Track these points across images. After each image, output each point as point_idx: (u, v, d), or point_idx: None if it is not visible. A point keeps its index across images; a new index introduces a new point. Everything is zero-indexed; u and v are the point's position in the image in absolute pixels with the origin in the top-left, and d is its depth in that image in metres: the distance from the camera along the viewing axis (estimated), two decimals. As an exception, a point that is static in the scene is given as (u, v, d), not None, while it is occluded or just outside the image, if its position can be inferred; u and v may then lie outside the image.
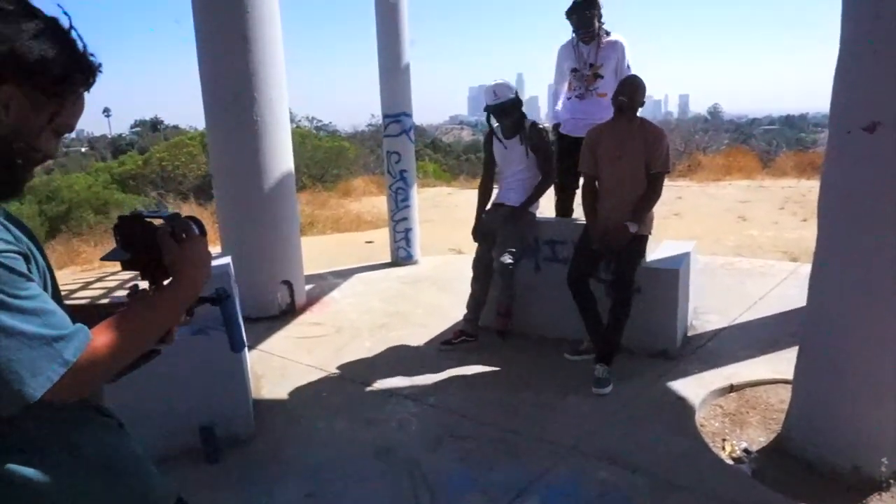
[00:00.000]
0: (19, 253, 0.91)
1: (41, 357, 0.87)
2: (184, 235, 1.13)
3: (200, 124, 5.39)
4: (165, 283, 1.10)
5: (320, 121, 29.87)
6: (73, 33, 0.99)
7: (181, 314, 1.10)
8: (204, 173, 15.93)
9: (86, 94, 1.04)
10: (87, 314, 1.00)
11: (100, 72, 1.03)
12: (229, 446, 2.97)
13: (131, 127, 53.86)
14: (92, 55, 1.01)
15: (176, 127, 29.91)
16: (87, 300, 5.68)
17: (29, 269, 0.92)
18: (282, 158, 4.81)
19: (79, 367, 0.90)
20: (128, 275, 6.52)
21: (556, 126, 4.53)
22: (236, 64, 4.49)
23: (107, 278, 6.51)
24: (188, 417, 2.89)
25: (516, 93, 3.98)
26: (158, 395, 2.67)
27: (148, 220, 1.15)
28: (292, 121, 22.18)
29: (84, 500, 1.03)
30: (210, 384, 2.96)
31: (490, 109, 3.98)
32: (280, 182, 4.80)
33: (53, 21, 0.97)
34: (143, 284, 1.17)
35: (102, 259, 1.20)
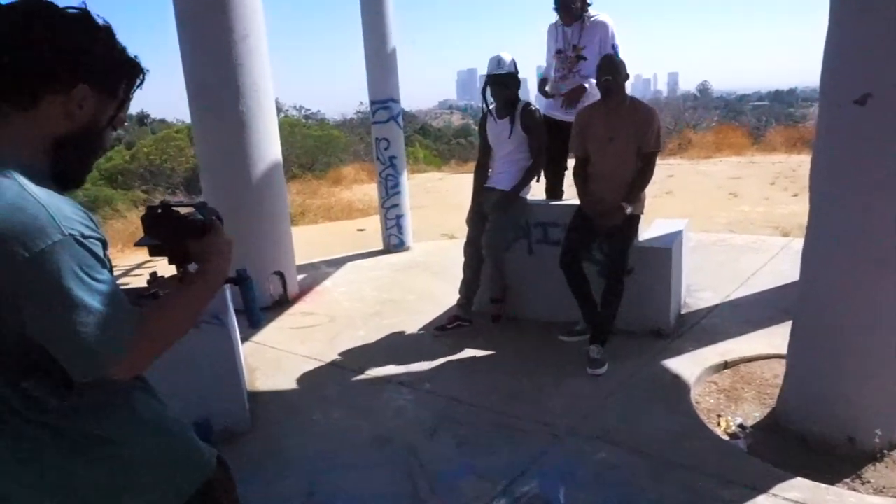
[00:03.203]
0: (99, 240, 1.03)
1: (112, 335, 0.99)
2: (212, 221, 1.27)
3: (188, 117, 5.34)
4: (190, 267, 1.25)
5: (308, 109, 29.63)
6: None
7: (211, 298, 1.24)
8: (193, 166, 15.78)
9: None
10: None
11: (148, 71, 1.17)
12: (225, 441, 2.95)
13: (118, 122, 53.09)
14: (136, 57, 1.15)
15: (163, 121, 29.59)
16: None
17: (104, 255, 1.04)
18: (269, 148, 4.76)
19: (140, 345, 1.03)
20: (123, 267, 6.47)
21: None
22: (220, 55, 4.42)
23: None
24: (182, 413, 2.85)
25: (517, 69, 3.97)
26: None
27: (175, 208, 1.26)
28: (280, 110, 21.99)
29: (145, 454, 1.16)
30: (204, 378, 2.94)
31: (493, 78, 3.92)
32: (268, 172, 4.74)
33: (109, 27, 1.10)
34: (163, 269, 1.30)
35: (135, 245, 1.36)
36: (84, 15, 1.06)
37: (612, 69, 3.43)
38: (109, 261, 1.09)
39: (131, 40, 1.18)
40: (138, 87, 1.16)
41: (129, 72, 1.13)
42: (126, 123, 1.17)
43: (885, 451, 2.58)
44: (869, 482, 2.46)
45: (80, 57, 1.05)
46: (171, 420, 1.25)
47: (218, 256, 1.24)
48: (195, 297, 1.19)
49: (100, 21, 1.09)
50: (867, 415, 2.59)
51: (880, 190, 2.40)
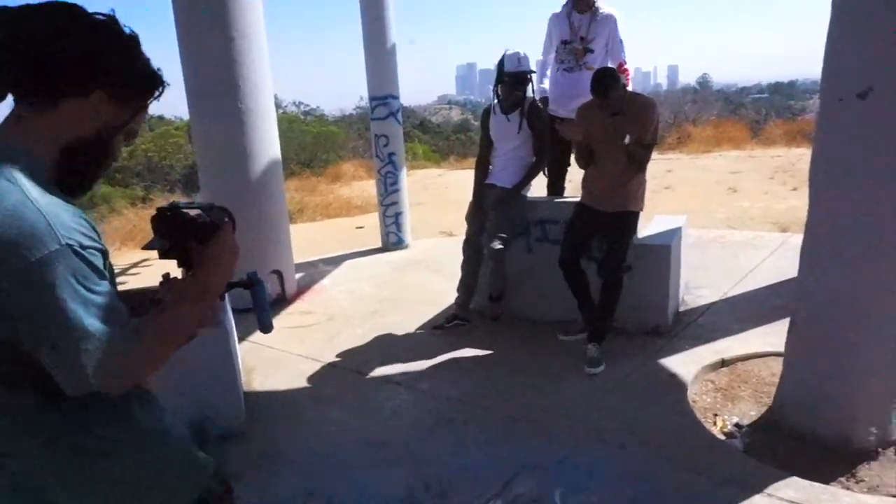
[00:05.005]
0: (99, 250, 1.01)
1: (106, 351, 0.96)
2: (222, 222, 1.23)
3: (185, 114, 5.32)
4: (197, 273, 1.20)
5: (307, 105, 29.68)
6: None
7: (205, 309, 1.17)
8: (191, 164, 15.78)
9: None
10: (128, 300, 1.08)
11: (168, 85, 1.16)
12: (222, 441, 2.96)
13: (115, 118, 53.04)
14: (159, 69, 1.14)
15: (161, 117, 29.49)
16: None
17: (104, 265, 1.02)
18: (268, 146, 4.75)
19: (132, 359, 1.01)
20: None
21: (544, 100, 4.45)
22: (218, 51, 4.40)
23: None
24: (178, 413, 2.85)
25: None
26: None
27: (184, 210, 1.22)
28: (279, 106, 21.94)
29: (145, 466, 1.16)
30: (200, 378, 2.92)
31: (510, 76, 3.91)
32: (267, 170, 4.74)
33: (136, 37, 1.10)
34: (174, 272, 1.26)
35: (143, 248, 1.30)
36: (111, 22, 1.06)
37: (606, 91, 3.32)
38: (111, 271, 1.06)
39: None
40: (155, 98, 1.15)
41: (150, 84, 1.13)
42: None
43: (880, 449, 2.58)
44: (863, 480, 2.46)
45: (102, 63, 1.04)
46: (170, 428, 1.23)
47: (213, 265, 1.17)
48: (186, 312, 1.11)
49: (126, 30, 1.08)
50: (863, 413, 2.59)
51: (880, 185, 2.39)
